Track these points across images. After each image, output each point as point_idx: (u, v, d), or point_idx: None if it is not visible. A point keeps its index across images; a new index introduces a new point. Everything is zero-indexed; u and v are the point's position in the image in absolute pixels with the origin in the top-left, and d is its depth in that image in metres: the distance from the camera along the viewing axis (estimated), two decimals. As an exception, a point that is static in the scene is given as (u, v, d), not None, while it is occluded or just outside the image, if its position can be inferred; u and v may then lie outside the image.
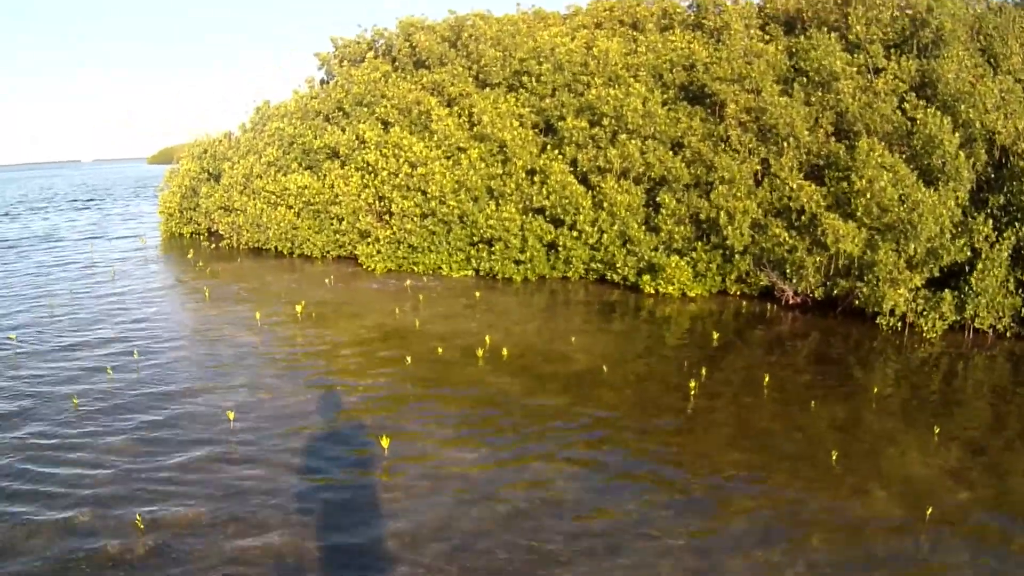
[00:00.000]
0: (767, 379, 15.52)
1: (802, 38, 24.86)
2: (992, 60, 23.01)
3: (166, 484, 10.87)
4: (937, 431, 12.91)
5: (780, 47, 25.33)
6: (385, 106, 29.67)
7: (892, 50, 24.11)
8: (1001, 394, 15.66)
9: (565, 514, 10.17)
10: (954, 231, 19.64)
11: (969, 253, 19.21)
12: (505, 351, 17.37)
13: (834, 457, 11.81)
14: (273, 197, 30.44)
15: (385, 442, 12.07)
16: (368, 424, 13.26)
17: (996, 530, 9.85)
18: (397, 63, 32.42)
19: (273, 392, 14.83)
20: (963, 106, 20.77)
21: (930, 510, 10.04)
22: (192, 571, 8.71)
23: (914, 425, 13.59)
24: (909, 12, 24.05)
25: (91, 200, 65.62)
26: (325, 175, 29.28)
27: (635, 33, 28.97)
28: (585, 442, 12.69)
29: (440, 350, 17.55)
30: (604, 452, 12.30)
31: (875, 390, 15.27)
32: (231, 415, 13.23)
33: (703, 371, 16.02)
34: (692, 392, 14.82)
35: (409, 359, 16.79)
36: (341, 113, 31.76)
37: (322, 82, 36.03)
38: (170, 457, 11.78)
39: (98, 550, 9.10)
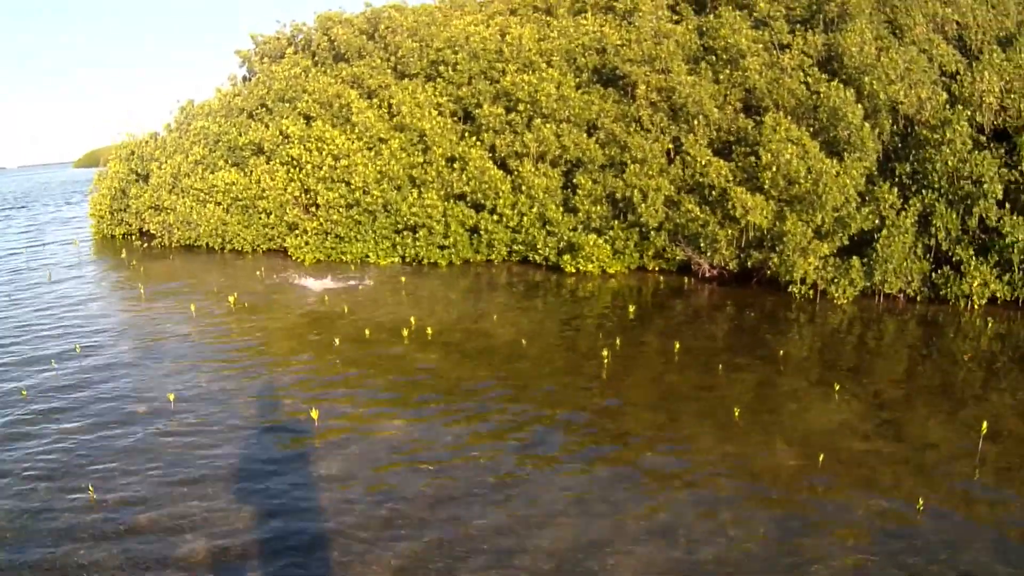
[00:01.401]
0: (678, 346, 15.92)
1: (711, 16, 25.10)
2: (897, 31, 23.28)
3: (115, 458, 11.34)
4: (838, 388, 13.39)
5: (691, 26, 25.37)
6: (307, 101, 29.41)
7: (800, 25, 24.27)
8: (906, 354, 16.09)
9: (484, 471, 10.71)
10: (860, 200, 20.06)
11: (877, 221, 19.56)
12: (430, 331, 17.52)
13: (737, 413, 12.32)
14: (202, 195, 30.22)
15: (315, 414, 12.49)
16: (300, 399, 13.65)
17: (888, 475, 10.35)
18: (317, 58, 32.15)
19: (210, 375, 15.13)
20: (867, 78, 20.99)
21: (822, 457, 10.70)
22: (143, 534, 9.17)
23: (818, 384, 13.95)
24: (816, -13, 24.32)
25: (22, 207, 64.80)
26: (251, 171, 29.05)
27: (548, 18, 28.92)
28: (504, 408, 13.14)
29: (367, 332, 17.66)
30: (521, 416, 12.76)
31: (781, 353, 15.64)
32: (172, 396, 13.57)
33: (618, 341, 16.39)
34: (606, 360, 15.24)
35: (337, 341, 17.03)
36: (264, 109, 31.43)
37: (244, 79, 35.57)
38: (117, 435, 12.20)
39: (55, 519, 9.54)
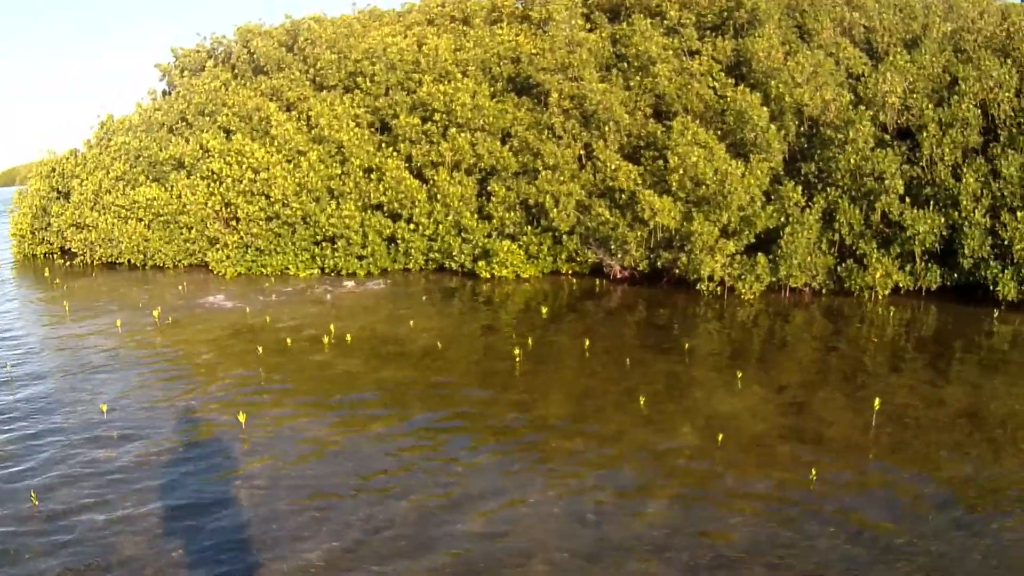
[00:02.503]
0: (588, 343, 16.26)
1: (624, 24, 25.40)
2: (805, 36, 23.78)
3: (52, 466, 11.31)
4: (741, 376, 13.83)
5: (604, 34, 25.65)
6: (226, 114, 29.12)
7: (711, 32, 24.65)
8: (810, 344, 16.52)
9: (404, 464, 11.01)
10: (765, 199, 20.41)
11: (782, 219, 19.96)
12: (349, 337, 17.59)
13: (643, 402, 12.68)
14: (123, 211, 29.84)
15: (242, 417, 12.62)
16: (227, 404, 13.70)
17: (785, 452, 10.85)
18: (236, 70, 31.88)
19: (139, 387, 15.05)
20: (773, 82, 21.37)
21: (721, 436, 11.14)
22: (83, 535, 9.23)
23: (722, 374, 14.36)
24: (727, -6, 24.72)
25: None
26: (172, 186, 28.71)
27: (465, 28, 28.98)
28: (422, 406, 13.41)
29: (289, 341, 17.60)
30: (439, 412, 13.07)
31: (687, 346, 16.01)
32: (104, 408, 13.49)
33: (530, 341, 16.67)
34: (518, 359, 15.53)
35: (261, 350, 16.99)
36: (184, 123, 31.04)
37: (164, 93, 35.04)
38: (53, 444, 12.14)
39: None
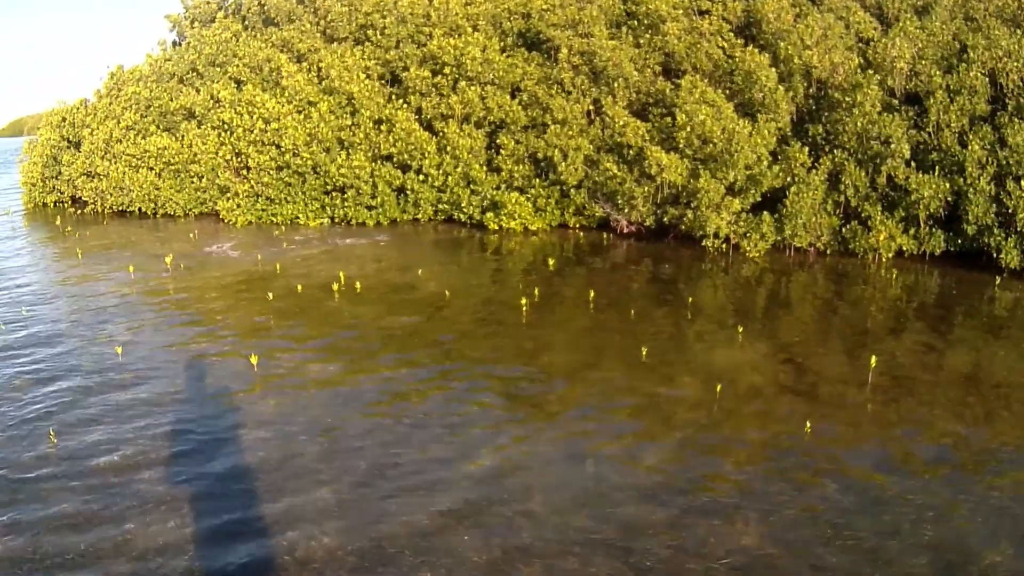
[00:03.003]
0: (593, 295, 16.41)
1: (635, -19, 25.47)
2: (816, -1, 23.95)
3: (70, 406, 11.51)
4: (742, 331, 13.96)
5: (615, -9, 25.83)
6: (237, 65, 29.20)
7: (721, -9, 24.73)
8: (812, 302, 16.65)
9: (411, 406, 11.23)
10: (772, 159, 20.49)
11: (788, 179, 20.05)
12: (359, 285, 17.75)
13: (645, 353, 12.82)
14: (134, 160, 29.97)
15: (254, 359, 12.86)
16: (239, 347, 13.93)
17: (782, 404, 11.04)
18: (247, 22, 31.91)
19: (153, 330, 15.26)
20: (783, 43, 21.37)
21: (719, 387, 11.33)
22: (100, 473, 9.41)
23: (724, 328, 14.50)
24: (736, -45, 24.62)
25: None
26: (183, 135, 28.83)
27: (477, -17, 29.29)
28: (429, 352, 13.56)
29: (299, 288, 17.78)
30: (446, 358, 13.28)
31: (690, 300, 16.14)
32: (119, 350, 13.73)
33: (536, 291, 16.79)
34: (525, 308, 15.69)
35: (271, 296, 17.18)
36: (195, 74, 31.10)
37: (174, 44, 35.08)
38: (70, 386, 12.33)
39: (21, 461, 9.78)
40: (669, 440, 9.93)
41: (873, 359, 12.07)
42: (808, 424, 10.08)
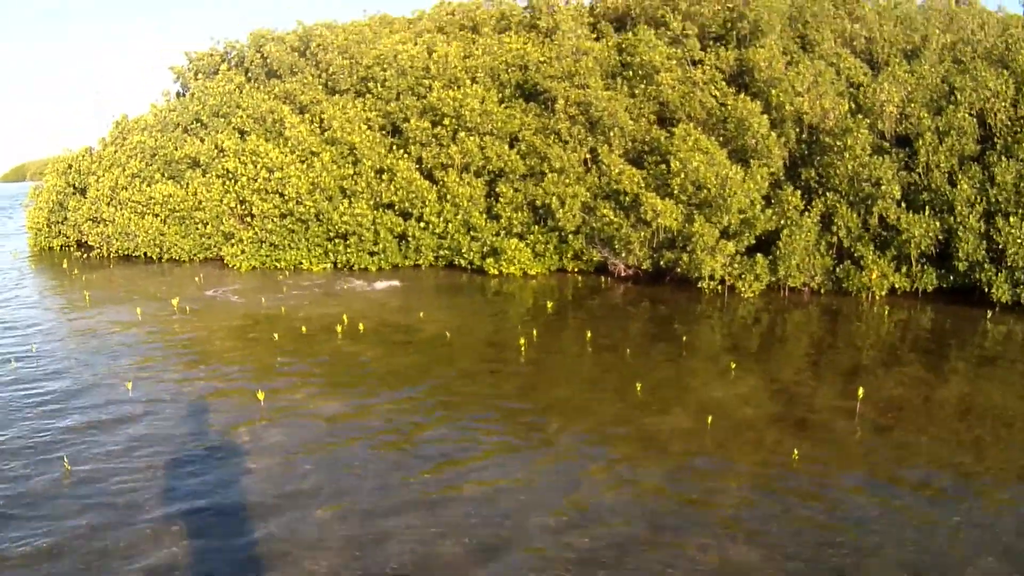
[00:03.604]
0: (590, 335, 16.90)
1: (630, 34, 26.03)
2: (807, 46, 24.39)
3: (83, 437, 11.99)
4: (734, 367, 14.48)
5: (610, 43, 26.25)
6: (241, 116, 29.80)
7: (714, 42, 25.26)
8: (805, 339, 17.17)
9: (412, 439, 11.70)
10: (765, 203, 21.02)
11: (782, 222, 20.55)
12: (361, 326, 18.24)
13: (639, 388, 13.33)
14: (140, 207, 30.47)
15: (261, 396, 13.29)
16: (246, 386, 14.35)
17: (772, 434, 11.52)
18: (250, 74, 32.54)
19: (161, 368, 15.72)
20: (774, 91, 21.99)
21: (710, 419, 11.79)
22: (112, 497, 9.87)
23: (717, 364, 15.00)
24: (730, 6, 25.22)
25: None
26: (188, 183, 29.41)
27: (474, 36, 29.64)
28: (429, 389, 14.05)
29: (304, 329, 18.25)
30: (447, 394, 13.78)
31: (685, 339, 16.62)
32: (129, 385, 14.18)
33: (535, 332, 17.28)
34: (523, 348, 16.16)
35: (277, 336, 17.64)
36: (199, 124, 31.69)
37: (178, 95, 35.72)
38: (83, 419, 12.80)
39: (35, 487, 10.25)
40: (661, 467, 10.41)
41: (861, 390, 12.53)
42: (796, 451, 10.53)
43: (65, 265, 30.83)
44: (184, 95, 35.19)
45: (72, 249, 34.99)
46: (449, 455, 10.94)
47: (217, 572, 8.19)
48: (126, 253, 31.70)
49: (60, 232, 35.48)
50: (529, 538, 8.59)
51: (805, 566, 7.89)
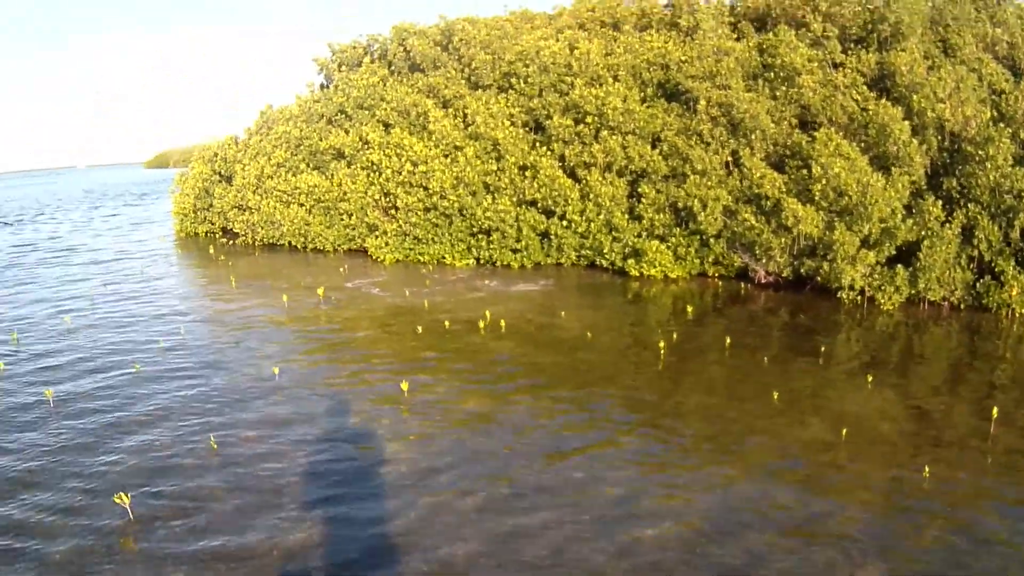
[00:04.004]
0: (728, 341, 18.05)
1: (771, 35, 26.95)
2: (948, 51, 24.98)
3: (229, 416, 13.85)
4: (871, 380, 15.37)
5: (751, 44, 27.26)
6: (385, 109, 31.70)
7: (855, 44, 26.03)
8: (943, 355, 17.96)
9: (550, 435, 12.88)
10: (906, 212, 21.79)
11: (923, 233, 21.24)
12: (503, 323, 19.76)
13: (776, 396, 14.29)
14: (285, 196, 32.40)
15: (405, 386, 14.76)
16: (389, 374, 16.01)
17: (906, 450, 12.26)
18: (393, 67, 34.39)
19: (307, 354, 17.61)
20: (916, 96, 22.75)
21: (845, 431, 12.65)
22: (256, 478, 11.34)
23: (855, 377, 15.93)
24: (870, 7, 25.98)
25: (96, 207, 66.62)
26: (333, 174, 31.24)
27: (615, 33, 30.90)
28: (569, 388, 15.27)
29: (447, 323, 19.92)
30: (584, 394, 14.89)
31: (823, 350, 17.62)
32: (276, 370, 16.01)
33: (675, 336, 18.57)
34: (663, 351, 17.41)
35: (420, 329, 19.31)
36: (343, 116, 33.76)
37: (321, 86, 38.00)
38: (233, 401, 14.68)
39: (183, 462, 11.95)
40: (795, 477, 11.35)
41: (995, 410, 13.28)
42: (928, 469, 11.41)
43: (212, 251, 33.00)
44: (328, 87, 37.02)
45: (217, 236, 37.23)
46: (584, 454, 12.09)
47: (354, 556, 9.39)
48: (271, 241, 33.69)
49: (206, 219, 37.73)
50: (664, 541, 9.58)
51: None
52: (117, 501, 10.23)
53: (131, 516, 10.18)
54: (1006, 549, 9.37)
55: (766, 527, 9.93)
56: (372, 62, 35.06)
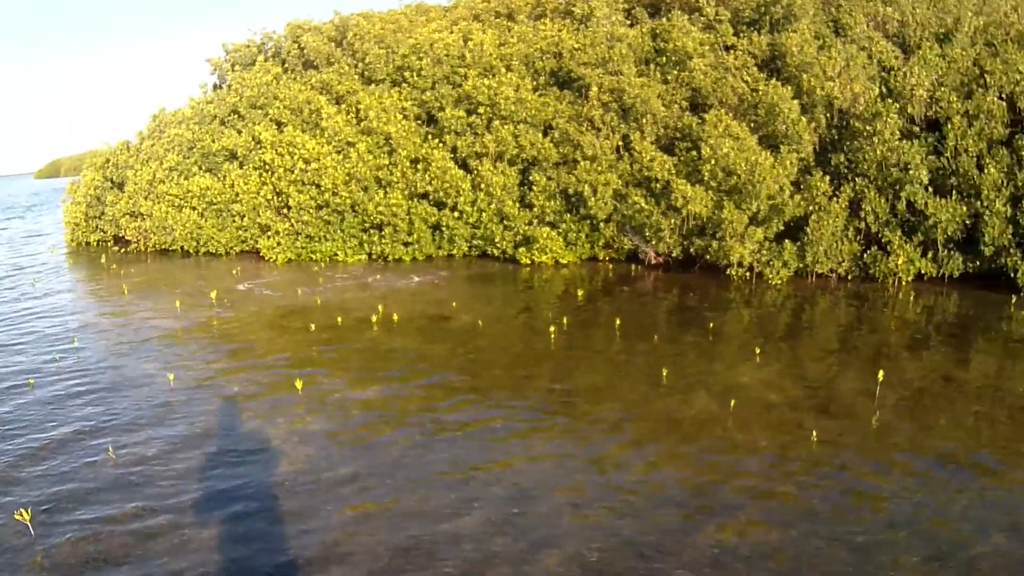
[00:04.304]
0: (619, 322, 17.94)
1: (664, 20, 26.94)
2: (839, 30, 25.13)
3: (128, 424, 13.16)
4: (759, 352, 15.48)
5: (644, 30, 27.23)
6: (278, 107, 31.08)
7: (747, 27, 26.07)
8: (830, 325, 18.12)
9: (447, 423, 12.66)
10: (794, 189, 21.87)
11: (810, 208, 21.38)
12: (396, 316, 19.42)
13: (665, 374, 14.33)
14: (177, 200, 31.67)
15: (299, 384, 14.36)
16: (284, 373, 15.49)
17: (793, 417, 12.35)
18: (287, 65, 33.80)
19: (201, 357, 16.99)
20: (805, 75, 22.85)
21: (733, 402, 12.76)
22: (155, 483, 10.88)
23: (743, 349, 15.97)
24: (763, -10, 26.15)
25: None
26: (225, 176, 30.61)
27: (510, 23, 30.66)
28: (462, 375, 15.14)
29: (339, 320, 19.46)
30: (478, 380, 14.79)
31: (712, 326, 17.61)
32: (171, 376, 15.33)
33: (566, 320, 18.38)
34: (554, 335, 17.26)
35: (313, 327, 18.86)
36: (236, 116, 32.99)
37: (215, 87, 37.19)
38: (127, 407, 14.01)
39: (80, 473, 11.32)
40: (682, 447, 11.36)
41: (881, 373, 13.38)
42: (815, 434, 11.45)
43: (103, 260, 32.18)
44: (221, 87, 36.41)
45: (109, 244, 36.25)
46: (480, 439, 11.94)
47: (246, 549, 9.11)
48: (163, 247, 32.99)
49: (97, 227, 36.72)
50: (556, 516, 9.51)
51: (819, 541, 8.72)
52: (18, 518, 9.79)
53: (32, 534, 9.74)
54: (892, 506, 9.47)
55: (654, 496, 9.96)
56: (266, 60, 34.46)
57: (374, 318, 19.33)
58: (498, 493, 10.16)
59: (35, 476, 11.29)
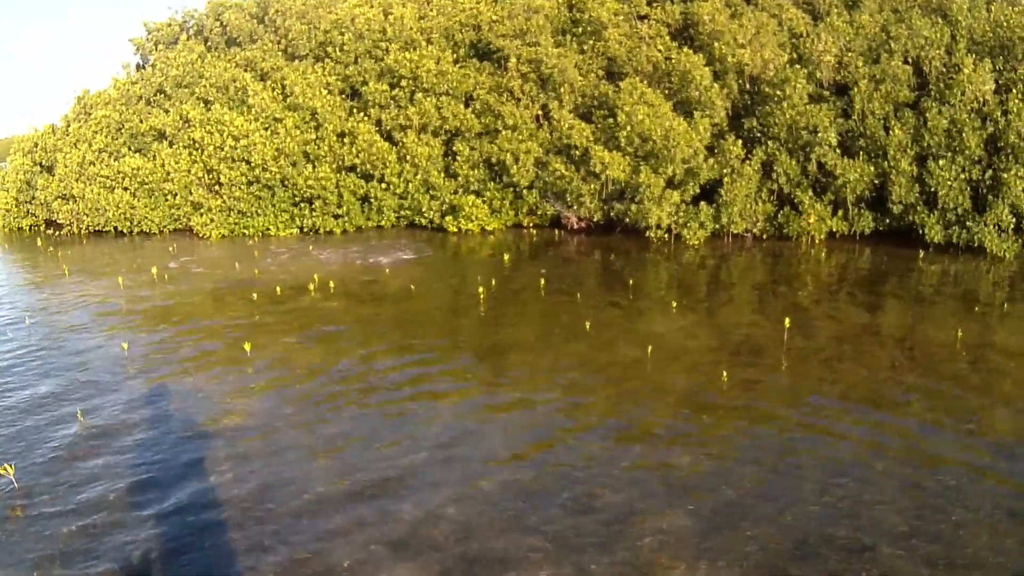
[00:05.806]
0: (543, 283, 18.57)
1: (581, -11, 27.37)
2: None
3: (93, 391, 13.39)
4: (675, 305, 16.33)
5: (561, 0, 27.49)
6: (204, 86, 30.83)
7: (662, -3, 26.57)
8: (744, 280, 18.87)
9: (385, 378, 13.30)
10: (708, 153, 22.51)
11: (724, 171, 22.02)
12: (332, 284, 19.75)
13: (588, 326, 15.12)
14: (108, 181, 31.40)
15: (247, 346, 14.92)
16: (231, 339, 15.90)
17: (706, 361, 13.22)
18: (210, 43, 33.54)
19: (152, 329, 17.13)
20: (717, 43, 23.35)
21: (651, 348, 13.63)
22: (123, 443, 11.21)
23: (660, 303, 16.78)
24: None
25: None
26: (155, 155, 30.53)
27: (430, -3, 31.05)
28: (398, 334, 15.78)
29: (279, 289, 19.64)
30: (412, 338, 15.46)
31: (631, 283, 18.29)
32: (124, 346, 15.57)
33: (493, 283, 18.92)
34: (482, 297, 17.83)
35: (255, 296, 19.08)
36: (162, 95, 32.62)
37: (138, 67, 36.73)
38: (87, 377, 14.19)
39: (54, 435, 11.62)
40: (606, 391, 12.17)
41: (787, 320, 14.19)
42: (726, 374, 12.27)
43: (39, 243, 31.85)
44: (145, 67, 36.10)
45: (42, 228, 35.78)
46: (416, 389, 12.60)
47: (198, 499, 9.43)
48: (96, 229, 32.63)
49: (28, 212, 36.29)
50: (493, 456, 10.12)
51: (733, 464, 9.55)
52: (2, 473, 10.11)
53: (16, 486, 10.10)
54: (797, 435, 10.32)
55: (582, 435, 10.64)
56: (188, 39, 34.22)
57: (311, 286, 19.64)
58: (437, 433, 10.83)
59: (9, 437, 11.67)
